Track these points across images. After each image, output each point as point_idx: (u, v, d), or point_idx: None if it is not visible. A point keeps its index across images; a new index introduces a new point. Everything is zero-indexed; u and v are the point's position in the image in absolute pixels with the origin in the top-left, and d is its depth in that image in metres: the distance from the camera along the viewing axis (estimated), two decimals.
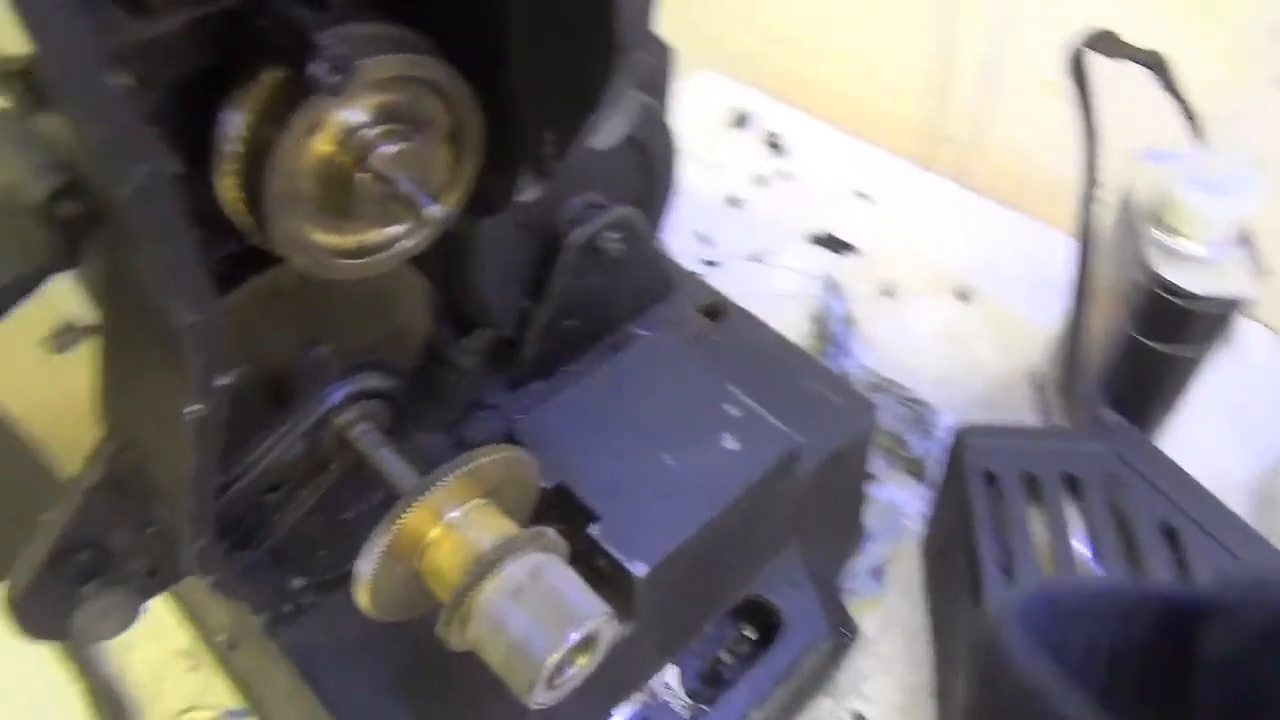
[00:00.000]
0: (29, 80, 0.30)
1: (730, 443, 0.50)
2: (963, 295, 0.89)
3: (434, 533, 0.38)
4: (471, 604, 0.36)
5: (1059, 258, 0.69)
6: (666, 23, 1.24)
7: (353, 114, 0.35)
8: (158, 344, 0.34)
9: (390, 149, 0.35)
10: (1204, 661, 0.28)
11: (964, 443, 0.59)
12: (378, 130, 0.35)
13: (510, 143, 0.39)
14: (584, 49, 0.34)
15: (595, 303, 0.55)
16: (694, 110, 1.11)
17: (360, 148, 0.35)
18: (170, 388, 0.34)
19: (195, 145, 0.35)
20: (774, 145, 1.06)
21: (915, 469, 0.75)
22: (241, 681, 0.58)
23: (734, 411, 0.51)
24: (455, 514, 0.38)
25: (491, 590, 0.36)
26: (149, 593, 0.44)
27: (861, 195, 0.99)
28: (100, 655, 0.67)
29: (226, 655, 0.57)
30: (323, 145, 0.35)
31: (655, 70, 0.56)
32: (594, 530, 0.46)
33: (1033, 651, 0.27)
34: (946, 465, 0.62)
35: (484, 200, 0.41)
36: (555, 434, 0.50)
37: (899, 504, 0.72)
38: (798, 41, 1.13)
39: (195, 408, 0.33)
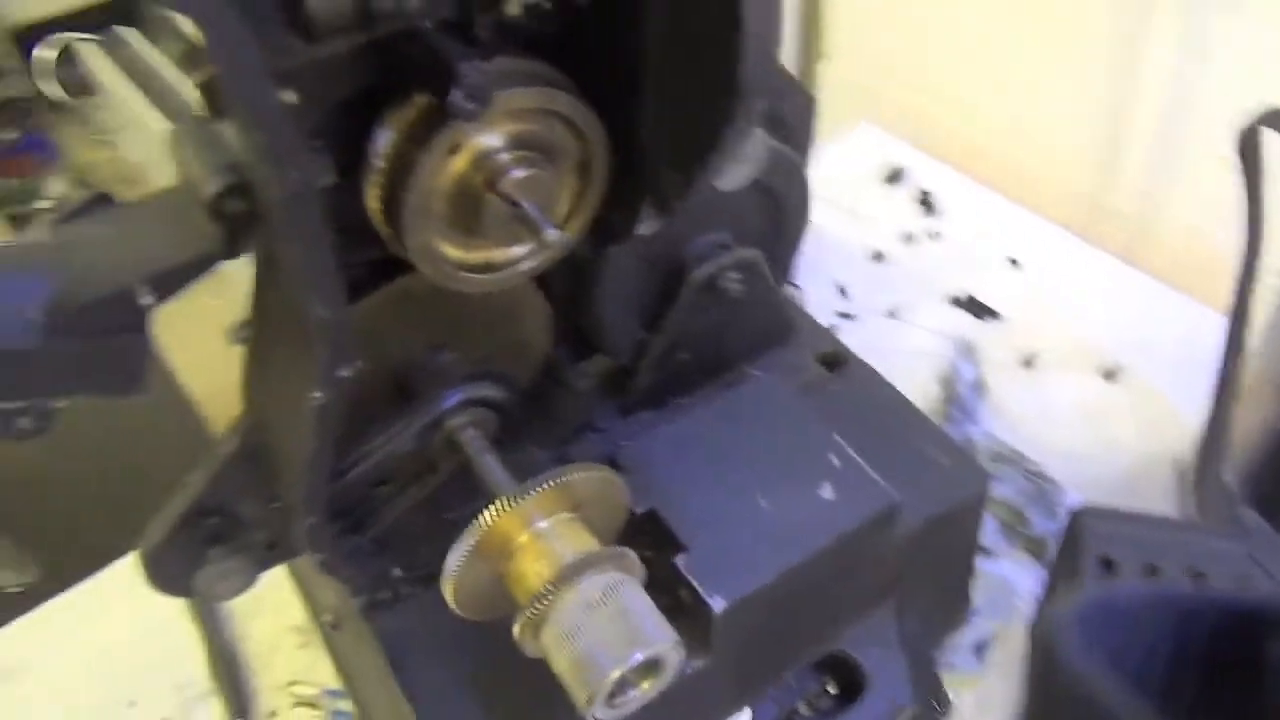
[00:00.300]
0: (213, 92, 0.34)
1: (828, 492, 0.50)
2: (1109, 373, 0.85)
3: (521, 539, 0.40)
4: (546, 612, 0.38)
5: (1220, 342, 0.66)
6: (832, 75, 1.26)
7: (490, 139, 0.37)
8: (294, 334, 0.38)
9: (519, 174, 0.37)
10: (1273, 665, 0.27)
11: (1081, 523, 0.57)
12: (510, 156, 0.38)
13: (635, 177, 0.41)
14: (708, 93, 0.35)
15: (711, 339, 0.57)
16: (849, 163, 1.11)
17: (493, 171, 0.37)
18: (300, 375, 0.38)
19: (350, 159, 0.38)
20: (926, 203, 1.04)
21: (1034, 547, 0.72)
22: (340, 663, 0.62)
23: (836, 462, 0.51)
24: (543, 524, 0.40)
25: (566, 601, 0.37)
26: (266, 564, 0.48)
27: (1012, 262, 0.96)
28: (224, 621, 0.72)
29: (330, 635, 0.60)
30: (460, 166, 0.37)
31: (796, 120, 0.57)
32: (679, 560, 0.47)
33: (1090, 656, 0.26)
34: (1060, 545, 0.59)
35: (607, 229, 0.43)
36: (655, 462, 0.51)
37: (1013, 582, 0.70)
38: (962, 102, 1.12)
39: (317, 395, 0.36)
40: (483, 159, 0.37)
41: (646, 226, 0.42)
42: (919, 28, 1.11)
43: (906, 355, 0.88)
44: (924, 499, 0.54)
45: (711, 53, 0.34)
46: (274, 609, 0.73)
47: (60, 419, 0.40)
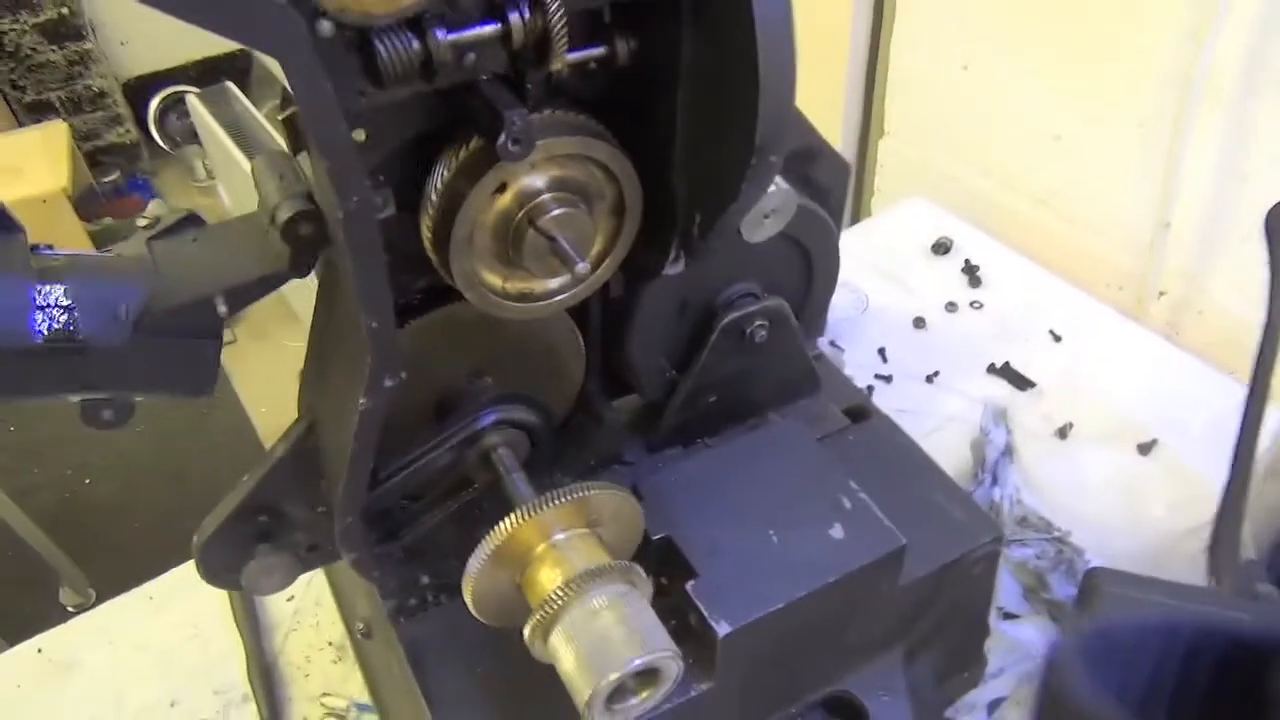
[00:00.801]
0: (294, 127, 0.39)
1: (837, 532, 0.52)
2: (1144, 448, 0.85)
3: (538, 548, 0.43)
4: (555, 616, 0.41)
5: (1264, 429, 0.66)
6: (891, 151, 1.30)
7: (534, 181, 0.42)
8: (348, 346, 0.42)
9: (557, 212, 0.41)
10: (1276, 697, 0.27)
11: (1094, 583, 0.58)
12: (551, 196, 0.42)
13: (666, 221, 0.45)
14: (730, 148, 0.39)
15: (738, 384, 0.60)
16: (900, 234, 1.14)
17: (534, 209, 0.41)
18: (350, 383, 0.42)
19: (410, 195, 0.43)
20: (972, 274, 1.06)
21: (1056, 611, 0.72)
22: (369, 672, 0.65)
23: (847, 504, 0.53)
24: (560, 536, 0.43)
25: (573, 606, 0.40)
26: (308, 564, 0.52)
27: (1054, 335, 0.98)
28: (266, 632, 0.76)
29: (362, 644, 0.64)
30: (505, 203, 0.42)
31: (830, 183, 0.60)
32: (690, 586, 0.49)
33: (1095, 687, 0.27)
34: (1073, 608, 0.60)
35: (638, 268, 0.47)
36: (674, 492, 0.54)
37: (1031, 645, 0.70)
38: (1013, 179, 1.15)
39: (363, 401, 0.40)
40: (526, 198, 0.42)
41: (673, 267, 0.46)
42: (976, 108, 1.15)
43: (941, 419, 0.90)
44: (933, 547, 0.55)
45: (733, 114, 0.38)
46: (313, 625, 0.77)
47: (136, 413, 0.44)
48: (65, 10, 3.04)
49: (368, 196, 0.35)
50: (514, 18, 0.36)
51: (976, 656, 0.65)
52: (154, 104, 3.38)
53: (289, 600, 0.80)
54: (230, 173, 2.53)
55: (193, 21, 0.29)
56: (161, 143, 3.43)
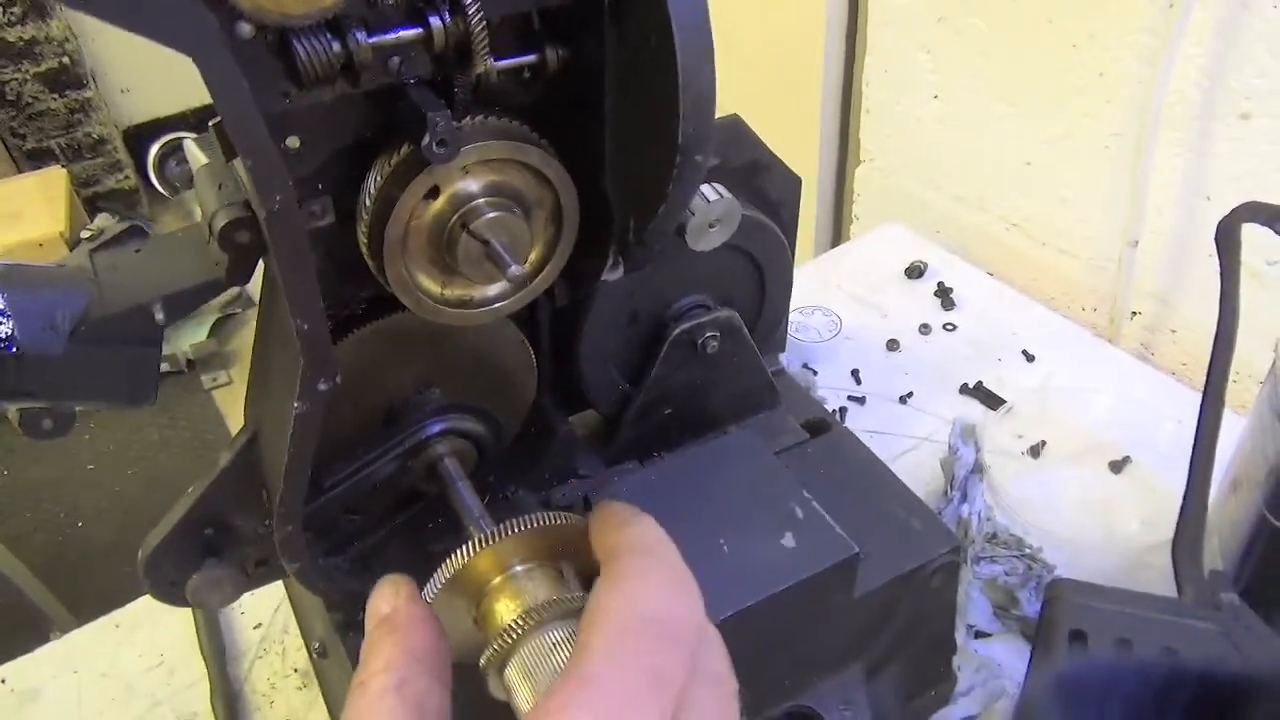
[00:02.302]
0: (224, 134, 0.40)
1: (789, 541, 0.52)
2: (1116, 466, 0.85)
3: (495, 579, 0.41)
4: (511, 649, 0.39)
5: (1229, 441, 0.66)
6: (865, 174, 1.31)
7: (467, 186, 0.42)
8: (286, 350, 0.42)
9: (490, 215, 0.42)
10: None
11: (1056, 595, 0.57)
12: (485, 201, 0.42)
13: (602, 226, 0.45)
14: (655, 149, 0.40)
15: (693, 397, 0.60)
16: (873, 258, 1.15)
17: (467, 213, 0.42)
18: (287, 389, 0.42)
19: (352, 202, 0.43)
20: (945, 297, 1.07)
21: (1026, 629, 0.71)
22: (328, 697, 0.64)
23: (800, 514, 0.53)
24: (518, 567, 0.41)
25: (530, 640, 0.38)
26: (256, 580, 0.52)
27: (1026, 355, 0.98)
28: (231, 659, 0.76)
29: (319, 665, 0.63)
30: (438, 208, 0.42)
31: (781, 196, 0.61)
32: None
33: None
34: (1039, 618, 0.60)
35: (579, 274, 0.47)
36: (624, 501, 0.53)
37: (1002, 663, 0.69)
38: (986, 202, 1.16)
39: (297, 404, 0.40)
40: (459, 202, 0.42)
41: (612, 273, 0.46)
42: (948, 135, 1.16)
43: (914, 440, 0.90)
44: (889, 558, 0.55)
45: (656, 115, 0.39)
46: (279, 652, 0.76)
47: (128, 455, 0.44)
48: (66, 59, 3.09)
49: (291, 196, 0.35)
50: (435, 22, 0.36)
51: (945, 674, 0.65)
52: (153, 150, 3.43)
53: (256, 628, 0.79)
54: None
55: (104, 18, 0.29)
56: (160, 188, 3.48)
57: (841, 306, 1.05)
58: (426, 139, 0.37)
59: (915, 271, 1.11)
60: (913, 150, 1.23)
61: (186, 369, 2.79)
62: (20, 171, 3.13)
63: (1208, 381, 0.61)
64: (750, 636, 0.50)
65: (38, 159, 3.20)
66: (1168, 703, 0.30)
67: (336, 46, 0.35)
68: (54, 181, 2.90)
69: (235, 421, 2.58)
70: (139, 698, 0.75)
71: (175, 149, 3.45)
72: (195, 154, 0.78)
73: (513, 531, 0.40)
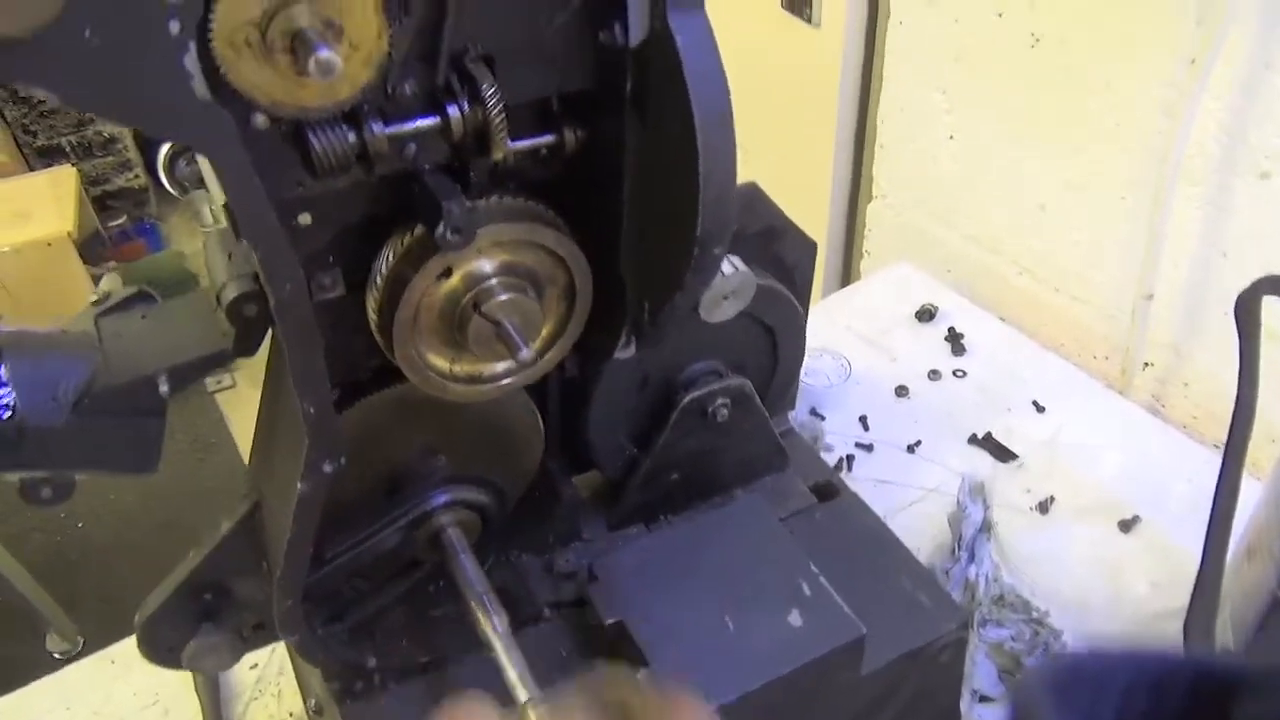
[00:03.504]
0: (233, 215, 0.39)
1: (795, 619, 0.51)
2: (1125, 524, 0.84)
3: None
4: None
5: (1245, 504, 0.65)
6: (876, 211, 1.29)
7: (481, 266, 0.42)
8: (292, 426, 0.42)
9: (503, 297, 0.41)
10: None
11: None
12: (498, 281, 0.42)
13: (616, 306, 0.45)
14: (672, 239, 0.39)
15: (702, 463, 0.59)
16: (883, 299, 1.14)
17: (480, 293, 0.41)
18: (292, 466, 0.41)
19: (362, 273, 0.43)
20: (955, 342, 1.06)
21: None
22: None
23: (807, 590, 0.52)
24: None
25: None
26: (252, 643, 0.51)
27: (1037, 405, 0.97)
28: (226, 702, 0.75)
29: None
30: (450, 288, 0.41)
31: (795, 261, 0.60)
32: (641, 674, 0.48)
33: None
34: None
35: (590, 351, 0.47)
36: (630, 573, 0.53)
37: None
38: (999, 244, 1.15)
39: (300, 485, 0.40)
40: (473, 283, 0.41)
41: (624, 351, 0.45)
42: (961, 175, 1.15)
43: (921, 491, 0.89)
44: (897, 634, 0.54)
45: (675, 207, 0.38)
46: (274, 694, 0.76)
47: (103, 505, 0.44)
48: None
49: (300, 283, 0.35)
50: (453, 111, 0.36)
51: None
52: (164, 150, 3.42)
53: (252, 668, 0.78)
54: None
55: (119, 123, 0.29)
56: (170, 188, 3.47)
57: (851, 349, 1.04)
58: (441, 228, 0.36)
59: (926, 315, 1.10)
60: (926, 188, 1.22)
61: None
62: (31, 169, 3.13)
63: (1225, 458, 0.60)
64: (753, 715, 0.49)
65: (48, 157, 3.20)
66: (1163, 694, 0.29)
67: (352, 138, 0.34)
68: (64, 180, 2.90)
69: (237, 425, 2.57)
70: None
71: (185, 148, 3.45)
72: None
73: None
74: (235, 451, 2.61)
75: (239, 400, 2.68)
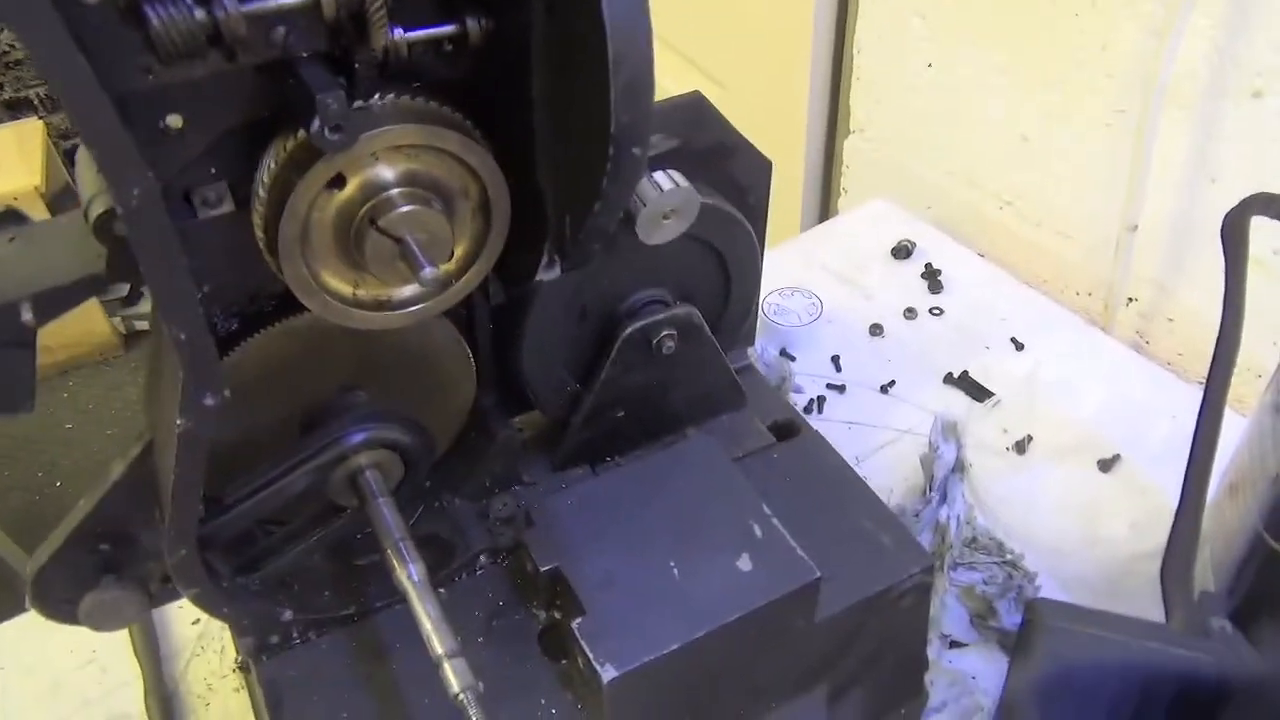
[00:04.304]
0: None
1: (745, 563, 0.47)
2: (1105, 465, 0.81)
3: None
4: None
5: (1228, 440, 0.62)
6: (854, 146, 1.24)
7: (380, 173, 0.37)
8: (170, 357, 0.37)
9: (404, 209, 0.37)
10: None
11: (1037, 617, 0.53)
12: (398, 192, 0.37)
13: (537, 222, 0.40)
14: (587, 140, 0.35)
15: (648, 398, 0.55)
16: (859, 236, 1.09)
17: (377, 205, 0.37)
18: (173, 400, 0.37)
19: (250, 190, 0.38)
20: (933, 279, 1.02)
21: (1004, 641, 0.67)
22: (255, 709, 0.60)
23: (759, 532, 0.49)
24: None
25: None
26: (161, 598, 0.47)
27: (1015, 343, 0.93)
28: (165, 659, 0.72)
29: (246, 678, 0.59)
30: (345, 198, 0.37)
31: (750, 181, 0.56)
32: (576, 624, 0.45)
33: None
34: (1016, 640, 0.56)
35: (512, 272, 0.42)
36: (570, 518, 0.49)
37: (978, 676, 0.65)
38: (979, 178, 1.10)
39: (180, 422, 0.36)
40: (369, 193, 0.37)
41: (548, 272, 0.41)
42: (941, 106, 1.10)
43: (894, 432, 0.85)
44: (856, 578, 0.51)
45: (587, 102, 0.34)
46: (217, 650, 0.72)
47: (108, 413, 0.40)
48: None
49: (151, 189, 0.30)
50: None
51: (914, 691, 0.61)
52: None
53: (194, 623, 0.75)
54: None
55: None
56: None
57: (824, 287, 1.00)
58: (316, 125, 0.32)
59: (903, 251, 1.06)
60: (904, 122, 1.17)
61: None
62: None
63: (1206, 390, 0.56)
64: (700, 666, 0.46)
65: (15, 109, 3.11)
66: (1149, 703, 0.28)
67: (200, 14, 0.30)
68: (30, 134, 2.82)
69: None
70: (67, 696, 0.71)
71: None
72: None
73: None
74: None
75: None
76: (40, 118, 3.10)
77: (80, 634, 0.74)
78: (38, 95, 3.20)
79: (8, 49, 3.08)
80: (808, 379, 0.91)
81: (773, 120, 1.30)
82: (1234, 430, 0.63)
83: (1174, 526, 0.56)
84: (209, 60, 0.32)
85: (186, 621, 0.75)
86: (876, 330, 0.96)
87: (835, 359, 0.93)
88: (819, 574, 0.47)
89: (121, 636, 0.73)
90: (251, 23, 0.31)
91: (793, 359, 0.92)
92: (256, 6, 0.31)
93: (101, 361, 2.72)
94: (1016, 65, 1.00)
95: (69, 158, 3.24)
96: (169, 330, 0.33)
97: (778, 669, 0.50)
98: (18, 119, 3.08)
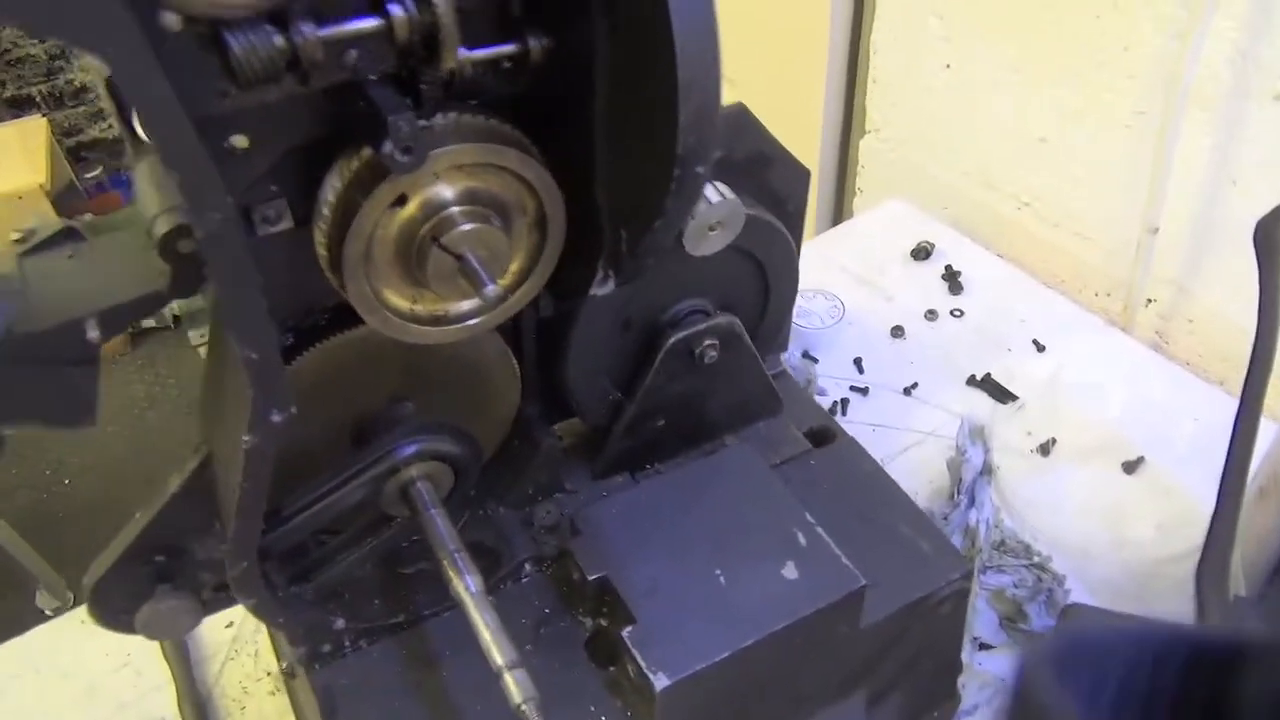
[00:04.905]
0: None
1: (790, 572, 0.48)
2: (1129, 466, 0.81)
3: None
4: None
5: (1259, 445, 0.62)
6: (869, 146, 1.25)
7: (441, 192, 0.38)
8: (236, 374, 0.38)
9: (466, 227, 0.37)
10: (1246, 702, 0.27)
11: (1067, 624, 0.54)
12: (460, 210, 0.38)
13: (592, 237, 0.41)
14: (651, 159, 0.35)
15: (688, 407, 0.55)
16: (878, 237, 1.10)
17: (439, 224, 0.37)
18: (238, 416, 0.38)
19: (310, 205, 0.39)
20: (952, 280, 1.02)
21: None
22: (297, 712, 0.60)
23: (803, 540, 0.49)
24: None
25: None
26: (214, 606, 0.48)
27: (1037, 345, 0.94)
28: (199, 663, 0.72)
29: (289, 683, 0.59)
30: (406, 217, 0.37)
31: (787, 191, 0.56)
32: (626, 633, 0.45)
33: (1065, 694, 0.26)
34: None
35: (565, 286, 0.43)
36: (616, 526, 0.50)
37: (1007, 678, 0.66)
38: (996, 179, 1.10)
39: (247, 438, 0.36)
40: (430, 211, 0.37)
41: (602, 287, 0.41)
42: (959, 107, 1.11)
43: (918, 434, 0.86)
44: (898, 585, 0.51)
45: (653, 123, 0.34)
46: (251, 654, 0.73)
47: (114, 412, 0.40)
48: None
49: (231, 213, 0.31)
50: (396, 11, 0.31)
51: (948, 694, 0.61)
52: None
53: (228, 627, 0.75)
54: None
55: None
56: (145, 138, 3.38)
57: (844, 289, 1.00)
58: (388, 147, 0.32)
59: (922, 253, 1.06)
60: (921, 122, 1.17)
61: (174, 325, 2.73)
62: (0, 120, 3.04)
63: (1243, 396, 0.56)
64: (747, 674, 0.47)
65: (18, 107, 3.10)
66: (1165, 667, 0.29)
67: (279, 40, 0.30)
68: (34, 131, 2.82)
69: None
70: (103, 700, 0.71)
71: None
72: None
73: None
74: None
75: None
76: (44, 115, 3.10)
77: (115, 637, 0.75)
78: (40, 93, 3.20)
79: (9, 47, 3.07)
80: (831, 381, 0.91)
81: (788, 120, 1.30)
82: (1262, 434, 0.64)
83: (1210, 531, 0.57)
84: (283, 84, 0.32)
85: (220, 626, 0.75)
86: (898, 332, 0.96)
87: (858, 361, 0.93)
88: (864, 582, 0.48)
89: (155, 642, 0.73)
90: (327, 47, 0.31)
91: (815, 361, 0.93)
92: (332, 31, 0.31)
93: (109, 360, 2.73)
94: (1034, 66, 1.00)
95: (72, 155, 3.23)
96: (240, 349, 0.34)
97: (820, 675, 0.51)
98: (20, 116, 3.08)
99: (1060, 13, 0.94)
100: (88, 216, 3.03)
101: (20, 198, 2.60)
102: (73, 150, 3.22)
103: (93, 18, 0.24)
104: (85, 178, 3.19)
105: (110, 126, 3.29)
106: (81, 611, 0.77)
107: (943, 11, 1.06)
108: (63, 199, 2.86)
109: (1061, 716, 0.26)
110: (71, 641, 0.75)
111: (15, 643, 0.76)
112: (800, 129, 1.31)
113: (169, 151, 0.28)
